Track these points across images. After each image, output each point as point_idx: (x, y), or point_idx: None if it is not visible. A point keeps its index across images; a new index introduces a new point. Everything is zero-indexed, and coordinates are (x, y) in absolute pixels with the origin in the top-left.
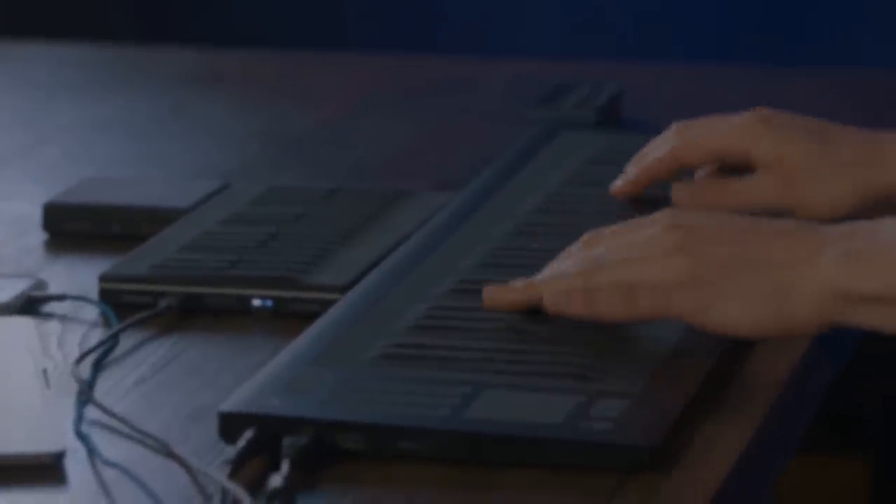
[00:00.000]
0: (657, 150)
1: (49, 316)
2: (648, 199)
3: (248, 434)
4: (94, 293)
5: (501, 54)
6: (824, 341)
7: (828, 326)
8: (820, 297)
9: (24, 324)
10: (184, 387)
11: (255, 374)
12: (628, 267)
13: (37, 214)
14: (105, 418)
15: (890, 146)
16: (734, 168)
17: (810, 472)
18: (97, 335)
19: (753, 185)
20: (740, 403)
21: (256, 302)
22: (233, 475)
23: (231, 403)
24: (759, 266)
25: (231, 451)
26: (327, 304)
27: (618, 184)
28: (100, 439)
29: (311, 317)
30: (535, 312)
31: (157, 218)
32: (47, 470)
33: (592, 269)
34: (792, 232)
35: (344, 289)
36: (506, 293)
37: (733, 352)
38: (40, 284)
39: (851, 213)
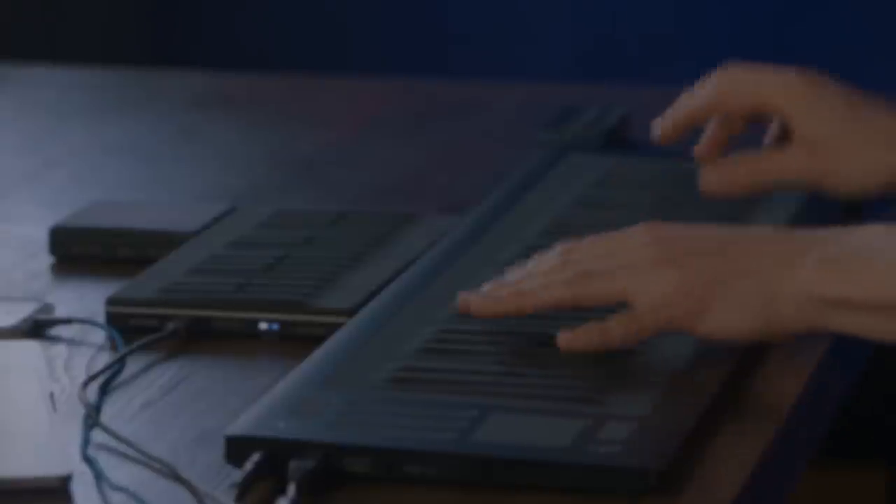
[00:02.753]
0: (702, 94)
1: (56, 339)
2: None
3: (255, 457)
4: (101, 317)
5: (509, 78)
6: (835, 354)
7: (812, 331)
8: (801, 304)
9: (31, 347)
10: (191, 410)
11: (261, 398)
12: (620, 275)
13: (44, 238)
14: (112, 442)
15: None
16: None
17: (826, 478)
18: (104, 359)
19: (782, 160)
20: (750, 423)
21: (263, 325)
22: (239, 499)
23: (238, 427)
24: (744, 275)
25: (238, 474)
26: (334, 328)
27: (660, 126)
28: (107, 463)
29: (318, 340)
30: (542, 334)
31: (165, 241)
32: (54, 493)
33: (581, 278)
34: (771, 240)
35: (351, 312)
36: (493, 306)
37: (742, 372)
38: (47, 308)
39: (880, 188)
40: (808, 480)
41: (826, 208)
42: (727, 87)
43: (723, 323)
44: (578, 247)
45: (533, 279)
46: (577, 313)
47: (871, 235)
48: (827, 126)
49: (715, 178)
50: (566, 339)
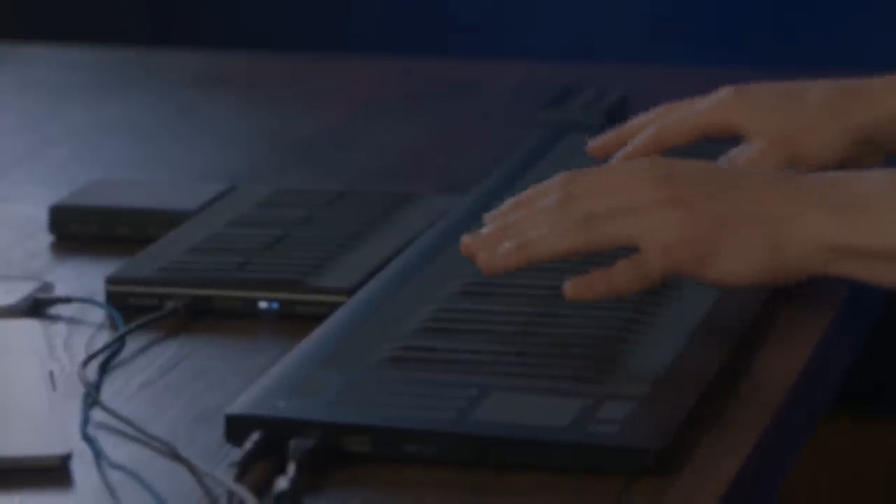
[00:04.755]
0: (642, 134)
1: (55, 318)
2: None
3: (255, 436)
4: (100, 295)
5: (509, 57)
6: (835, 334)
7: (820, 275)
8: (807, 250)
9: (30, 326)
10: (190, 389)
11: (261, 377)
12: (625, 221)
13: (43, 217)
14: (111, 421)
15: (862, 88)
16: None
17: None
18: (104, 337)
19: (759, 157)
20: (748, 405)
21: (263, 304)
22: (239, 478)
23: (237, 406)
24: (751, 219)
25: (237, 453)
26: (334, 307)
27: (595, 148)
28: (106, 442)
29: (317, 319)
30: (541, 313)
31: (164, 220)
32: (53, 472)
33: (586, 223)
34: (776, 184)
35: (350, 291)
36: (501, 260)
37: (740, 354)
38: (47, 287)
39: (845, 157)
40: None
41: None
42: (664, 124)
43: (729, 267)
44: (580, 178)
45: (535, 223)
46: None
47: (880, 181)
48: (775, 116)
49: None
50: (573, 288)
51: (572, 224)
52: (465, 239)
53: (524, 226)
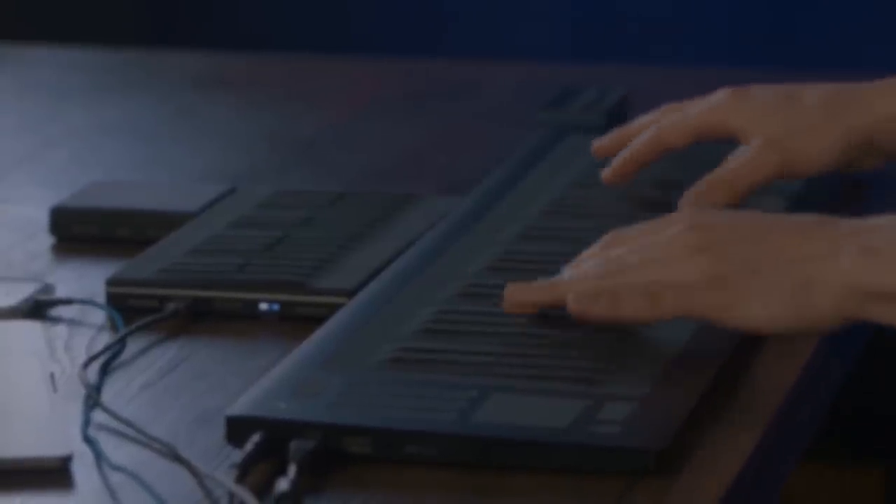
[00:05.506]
0: (641, 136)
1: (56, 320)
2: (648, 199)
3: (256, 438)
4: (101, 297)
5: (509, 57)
6: (832, 342)
7: (847, 322)
8: (839, 294)
9: (31, 328)
10: (191, 391)
11: (262, 378)
12: (651, 268)
13: (44, 218)
14: (112, 422)
15: (859, 91)
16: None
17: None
18: (104, 339)
19: (752, 164)
20: (748, 406)
21: (263, 306)
22: (240, 479)
23: (238, 407)
24: (780, 263)
25: (238, 454)
26: (335, 308)
27: (607, 173)
28: (107, 443)
29: (318, 321)
30: (543, 316)
31: (165, 222)
32: (54, 474)
33: (615, 271)
34: (811, 227)
35: (351, 293)
36: (529, 293)
37: (741, 355)
38: (47, 288)
39: (842, 160)
40: (805, 480)
41: (827, 186)
42: (664, 126)
43: (753, 314)
44: (621, 238)
45: (572, 283)
46: None
47: None
48: (772, 119)
49: (696, 201)
50: (577, 302)
51: (600, 271)
52: (511, 286)
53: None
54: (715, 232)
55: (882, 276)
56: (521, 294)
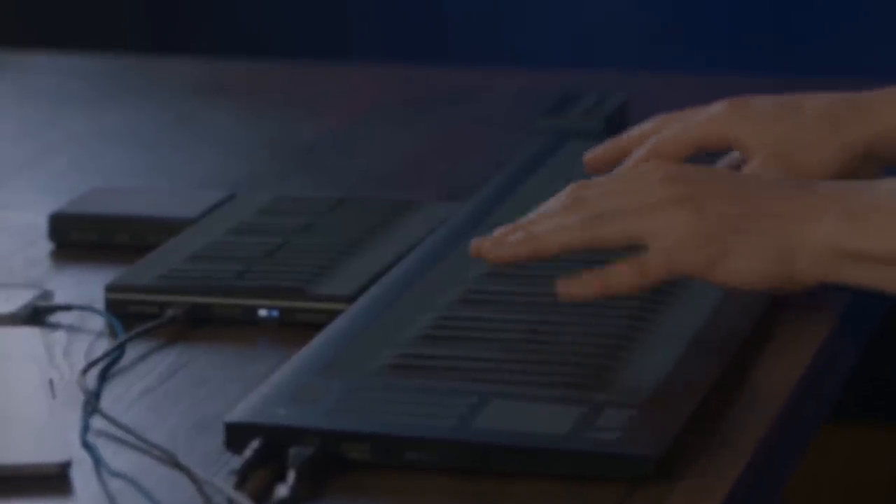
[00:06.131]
0: (640, 149)
1: (55, 326)
2: None
3: (255, 444)
4: (100, 303)
5: (509, 64)
6: (835, 340)
7: (829, 282)
8: (818, 256)
9: (30, 334)
10: (190, 397)
11: (261, 385)
12: (631, 217)
13: (43, 225)
14: (111, 428)
15: (859, 102)
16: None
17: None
18: (103, 345)
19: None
20: (748, 411)
21: (263, 312)
22: (239, 485)
23: (237, 413)
24: (762, 223)
25: (237, 461)
26: (334, 315)
27: (593, 166)
28: (106, 449)
29: (317, 327)
30: (542, 321)
31: (164, 228)
32: (53, 480)
33: (594, 218)
34: (792, 189)
35: (350, 299)
36: (508, 249)
37: (741, 359)
38: (47, 295)
39: (843, 172)
40: (826, 442)
41: None
42: (661, 138)
43: (738, 268)
44: (590, 184)
45: (544, 221)
46: (592, 257)
47: (889, 188)
48: (772, 131)
49: None
50: (564, 286)
51: (580, 221)
52: (475, 240)
53: (532, 224)
54: (693, 185)
55: (858, 239)
56: (496, 253)
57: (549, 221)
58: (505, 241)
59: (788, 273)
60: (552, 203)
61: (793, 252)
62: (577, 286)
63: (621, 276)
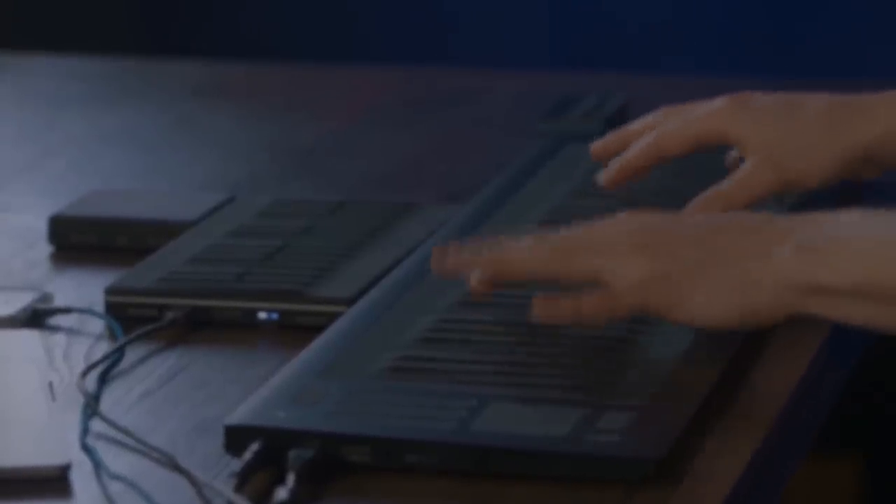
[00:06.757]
0: (639, 142)
1: (55, 329)
2: (647, 208)
3: (254, 447)
4: (100, 306)
5: (508, 66)
6: (832, 345)
7: (791, 317)
8: (777, 289)
9: (29, 336)
10: (189, 400)
11: (260, 387)
12: (598, 256)
13: (43, 227)
14: (111, 431)
15: (860, 104)
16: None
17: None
18: (103, 348)
19: (749, 181)
20: (747, 413)
21: (262, 315)
22: (239, 488)
23: (237, 416)
24: (722, 261)
25: (237, 463)
26: (333, 317)
27: (604, 177)
28: (105, 452)
29: (317, 329)
30: (541, 326)
31: (164, 231)
32: (53, 483)
33: (565, 251)
34: (749, 227)
35: (350, 301)
36: (467, 262)
37: (740, 362)
38: (46, 297)
39: (842, 174)
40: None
41: (823, 198)
42: (662, 132)
43: (699, 311)
44: (563, 227)
45: (514, 249)
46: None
47: (848, 220)
48: (771, 131)
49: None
50: (541, 307)
51: (549, 250)
52: (438, 248)
53: (502, 249)
54: (657, 232)
55: (817, 272)
56: (459, 264)
57: (519, 246)
58: (469, 255)
59: (750, 311)
60: (526, 236)
61: (754, 288)
62: (552, 308)
63: (594, 306)
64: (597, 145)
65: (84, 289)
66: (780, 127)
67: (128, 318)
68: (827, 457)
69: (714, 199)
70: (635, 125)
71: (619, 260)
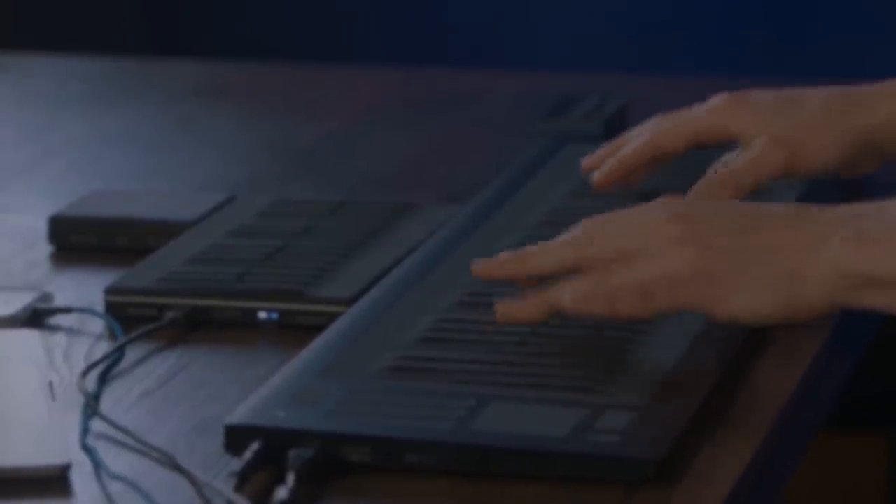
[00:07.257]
0: (635, 140)
1: (55, 329)
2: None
3: (254, 446)
4: (100, 306)
5: (508, 67)
6: (834, 343)
7: (837, 310)
8: (828, 282)
9: (30, 336)
10: (189, 399)
11: (260, 387)
12: (638, 264)
13: (43, 227)
14: (111, 431)
15: (860, 93)
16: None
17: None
18: (103, 348)
19: (759, 160)
20: (748, 413)
21: (262, 314)
22: (238, 488)
23: (237, 416)
24: (767, 254)
25: (237, 463)
26: (333, 317)
27: (597, 175)
28: (105, 452)
29: (317, 329)
30: (541, 324)
31: (164, 231)
32: (53, 483)
33: (602, 272)
34: (796, 217)
35: (350, 301)
36: (520, 311)
37: (740, 362)
38: (46, 297)
39: (843, 161)
40: (811, 450)
41: (827, 188)
42: (659, 130)
43: (744, 305)
44: (594, 225)
45: (556, 284)
46: None
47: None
48: (773, 122)
49: (706, 195)
50: (574, 302)
51: (593, 283)
52: (500, 304)
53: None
54: (697, 223)
55: (870, 263)
56: (512, 312)
57: (565, 285)
58: (518, 297)
59: (797, 303)
60: (560, 248)
61: (800, 281)
62: (584, 302)
63: (630, 302)
64: (588, 161)
65: (84, 289)
66: (780, 118)
67: (128, 318)
68: (854, 434)
69: (724, 178)
70: (627, 135)
71: (659, 260)
